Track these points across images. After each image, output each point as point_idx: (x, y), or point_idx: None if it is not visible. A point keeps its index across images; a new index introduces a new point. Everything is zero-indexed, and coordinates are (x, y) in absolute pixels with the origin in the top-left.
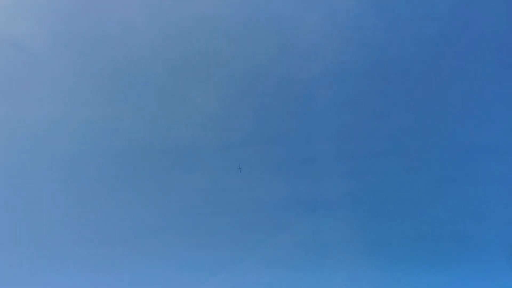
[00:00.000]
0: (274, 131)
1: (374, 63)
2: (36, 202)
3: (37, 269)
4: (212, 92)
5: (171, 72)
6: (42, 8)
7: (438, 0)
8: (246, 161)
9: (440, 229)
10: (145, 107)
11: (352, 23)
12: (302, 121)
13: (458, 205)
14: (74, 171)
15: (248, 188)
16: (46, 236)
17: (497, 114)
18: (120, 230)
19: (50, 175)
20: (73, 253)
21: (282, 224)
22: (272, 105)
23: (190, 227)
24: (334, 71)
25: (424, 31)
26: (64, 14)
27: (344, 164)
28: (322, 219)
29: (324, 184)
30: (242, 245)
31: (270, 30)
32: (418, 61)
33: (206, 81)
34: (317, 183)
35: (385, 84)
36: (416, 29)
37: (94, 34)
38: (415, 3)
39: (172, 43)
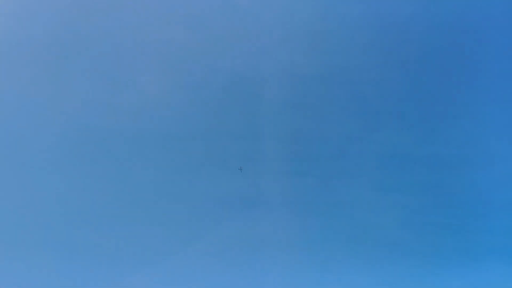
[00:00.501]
0: (218, 125)
1: (322, 68)
2: None
3: None
4: (158, 82)
5: (117, 56)
6: None
7: (388, 6)
8: (186, 154)
9: (373, 234)
10: (87, 90)
11: (305, 26)
12: (248, 118)
13: (391, 213)
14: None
15: (185, 180)
16: None
17: (438, 125)
18: (38, 219)
19: None
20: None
21: (217, 220)
22: (218, 99)
23: (120, 218)
24: (283, 72)
25: (372, 39)
26: None
27: (285, 164)
28: (258, 217)
29: (264, 182)
30: (174, 239)
31: (223, 25)
32: (364, 67)
33: (153, 69)
34: (257, 181)
35: (332, 88)
36: (364, 37)
37: (38, 16)
38: (366, 10)
39: (121, 30)
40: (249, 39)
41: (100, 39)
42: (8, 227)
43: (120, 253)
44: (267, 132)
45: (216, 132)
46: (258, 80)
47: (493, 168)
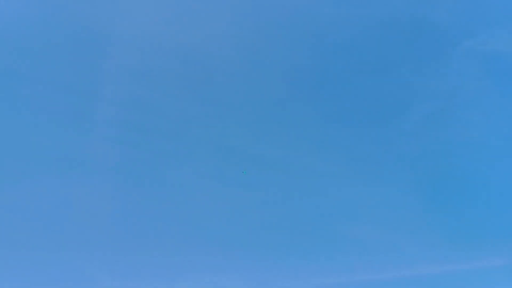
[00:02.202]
0: (49, 75)
1: (180, 43)
2: None
3: None
4: None
5: None
6: None
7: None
8: (6, 99)
9: (184, 218)
10: None
11: None
12: (86, 75)
13: (209, 200)
14: None
15: (12, 131)
16: None
17: (272, 126)
18: None
19: None
20: None
21: (26, 176)
22: (56, 49)
23: None
24: (136, 37)
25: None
26: None
27: (118, 131)
28: (74, 180)
29: (90, 146)
30: None
31: None
32: (220, 55)
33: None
34: (83, 143)
35: (183, 68)
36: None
37: None
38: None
39: None
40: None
41: None
42: None
43: None
44: (105, 94)
45: (45, 82)
46: (106, 40)
47: (308, 172)
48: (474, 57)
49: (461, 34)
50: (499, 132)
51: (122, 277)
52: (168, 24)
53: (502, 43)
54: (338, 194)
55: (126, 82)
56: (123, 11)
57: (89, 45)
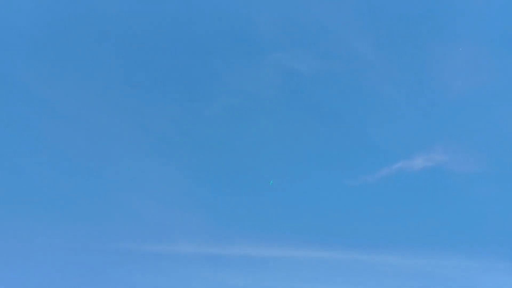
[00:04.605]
0: None
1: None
2: None
3: None
4: None
5: None
6: None
7: None
8: None
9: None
10: None
11: None
12: None
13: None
14: None
15: None
16: None
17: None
18: None
19: None
20: None
21: None
22: None
23: None
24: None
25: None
26: None
27: None
28: None
29: None
30: None
31: None
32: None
33: None
34: None
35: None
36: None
37: None
38: None
39: None
40: None
41: None
42: None
43: None
44: None
45: None
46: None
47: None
48: (277, 69)
49: (274, 46)
50: (278, 137)
51: None
52: None
53: (303, 62)
54: (121, 164)
55: None
56: None
57: None
